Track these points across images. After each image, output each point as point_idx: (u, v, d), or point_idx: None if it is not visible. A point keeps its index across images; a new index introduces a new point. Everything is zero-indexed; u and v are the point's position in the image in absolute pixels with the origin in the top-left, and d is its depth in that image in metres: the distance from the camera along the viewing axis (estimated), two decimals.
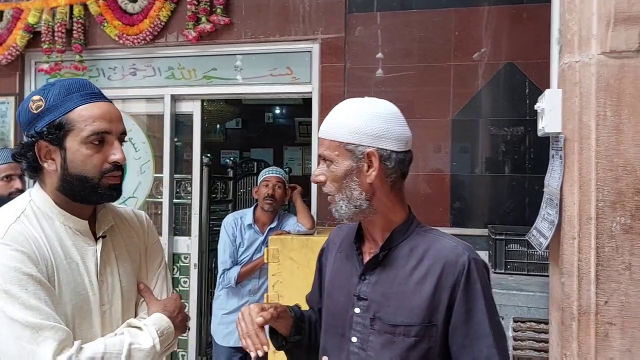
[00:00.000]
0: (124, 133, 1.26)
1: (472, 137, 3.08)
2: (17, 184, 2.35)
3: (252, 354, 1.15)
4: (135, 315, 1.33)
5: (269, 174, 3.08)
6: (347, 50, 3.22)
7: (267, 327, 1.29)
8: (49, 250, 1.17)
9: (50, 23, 3.64)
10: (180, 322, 1.33)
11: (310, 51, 3.34)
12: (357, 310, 1.20)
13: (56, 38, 3.63)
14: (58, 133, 1.17)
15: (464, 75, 3.07)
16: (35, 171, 1.23)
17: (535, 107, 2.00)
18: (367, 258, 1.24)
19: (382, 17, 3.19)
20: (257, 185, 3.15)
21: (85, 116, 1.17)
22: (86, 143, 1.18)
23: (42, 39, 3.65)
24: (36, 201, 1.22)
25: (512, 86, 3.01)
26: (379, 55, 3.19)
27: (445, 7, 3.09)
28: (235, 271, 2.95)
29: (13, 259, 1.10)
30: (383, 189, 1.20)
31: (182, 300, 1.44)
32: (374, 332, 1.17)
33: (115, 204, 1.38)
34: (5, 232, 1.13)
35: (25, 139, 1.20)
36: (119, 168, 1.23)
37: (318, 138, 1.23)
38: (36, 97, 1.19)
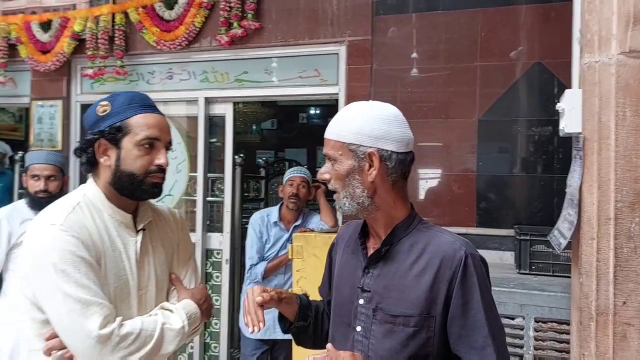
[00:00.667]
0: (170, 143, 1.46)
1: (498, 137, 3.07)
2: (41, 184, 2.51)
3: (249, 329, 1.28)
4: (167, 301, 1.49)
5: (294, 174, 3.17)
6: (374, 52, 3.27)
7: (277, 312, 1.44)
8: (97, 238, 1.34)
9: (94, 31, 3.84)
10: (206, 309, 1.50)
11: (337, 53, 3.41)
12: (361, 301, 1.27)
13: (99, 45, 3.82)
14: (117, 134, 1.37)
15: (491, 75, 3.07)
16: (92, 166, 1.42)
17: (557, 107, 2.00)
18: (371, 253, 1.30)
19: (408, 19, 3.22)
20: (283, 184, 3.25)
21: (141, 123, 1.38)
22: (138, 145, 1.37)
23: (87, 46, 3.85)
24: (89, 195, 1.41)
25: (540, 86, 2.99)
26: (410, 56, 3.22)
27: (471, 7, 3.10)
28: (262, 267, 3.05)
29: (69, 243, 1.27)
30: (384, 187, 1.25)
31: (210, 292, 1.58)
32: (376, 322, 1.24)
33: (154, 202, 1.56)
34: (64, 220, 1.30)
35: (88, 137, 1.39)
36: (162, 171, 1.42)
37: (324, 138, 1.30)
38: (104, 102, 1.40)
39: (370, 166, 1.23)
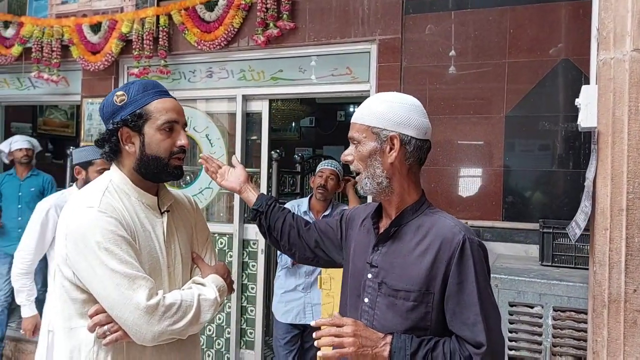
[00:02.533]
0: (186, 124, 1.54)
1: (526, 133, 3.12)
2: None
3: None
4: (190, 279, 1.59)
5: (324, 167, 3.31)
6: (404, 50, 3.36)
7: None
8: (129, 219, 1.42)
9: (139, 32, 4.04)
10: (229, 284, 1.58)
11: (368, 52, 3.52)
12: (369, 275, 1.40)
13: (145, 45, 4.02)
14: (138, 121, 1.43)
15: (519, 72, 3.12)
16: (115, 154, 1.49)
17: (575, 102, 2.07)
18: (381, 232, 1.43)
19: (438, 17, 3.30)
20: (314, 176, 3.39)
21: (159, 108, 1.45)
22: (160, 130, 1.44)
23: (133, 46, 4.05)
24: (115, 180, 1.48)
25: (567, 82, 3.02)
26: (439, 53, 3.30)
27: (500, 5, 3.16)
28: None
29: (109, 223, 1.35)
30: (401, 170, 1.38)
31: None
32: (380, 295, 1.37)
33: (172, 188, 1.67)
34: (100, 202, 1.38)
35: (109, 126, 1.46)
36: (183, 151, 1.50)
37: (350, 123, 1.43)
38: (120, 93, 1.46)
39: (391, 149, 1.35)
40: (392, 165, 1.36)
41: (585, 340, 2.20)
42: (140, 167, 1.46)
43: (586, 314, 2.20)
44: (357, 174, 1.42)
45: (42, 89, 4.77)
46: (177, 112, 1.49)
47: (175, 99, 1.52)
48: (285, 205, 3.36)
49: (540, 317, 2.34)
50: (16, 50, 4.51)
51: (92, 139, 4.35)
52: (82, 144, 4.39)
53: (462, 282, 1.29)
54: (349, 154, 1.42)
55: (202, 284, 1.50)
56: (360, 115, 1.39)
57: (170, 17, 3.98)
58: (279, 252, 3.33)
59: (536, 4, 3.09)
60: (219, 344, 4.06)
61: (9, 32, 4.59)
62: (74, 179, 4.57)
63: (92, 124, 4.39)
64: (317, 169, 3.36)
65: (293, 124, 7.91)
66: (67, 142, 6.31)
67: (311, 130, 8.13)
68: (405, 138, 1.35)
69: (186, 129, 1.54)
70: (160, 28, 4.00)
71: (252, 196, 1.78)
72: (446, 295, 1.30)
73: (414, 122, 1.35)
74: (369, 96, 3.52)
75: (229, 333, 4.03)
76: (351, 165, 1.43)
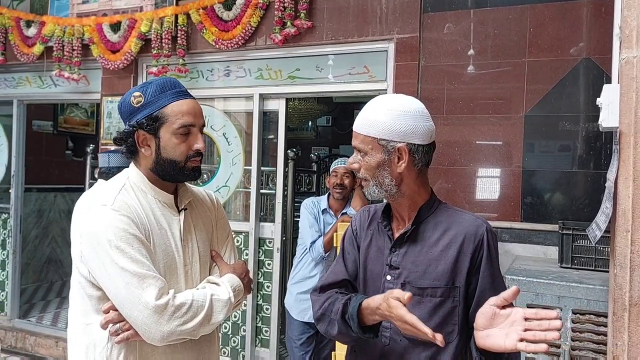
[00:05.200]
0: (204, 125, 1.51)
1: (545, 133, 3.08)
2: None
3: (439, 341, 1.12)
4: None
5: (338, 165, 3.30)
6: (422, 49, 3.34)
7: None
8: (144, 217, 1.41)
9: (158, 31, 4.07)
10: (247, 283, 1.56)
11: (386, 50, 3.50)
12: (388, 277, 1.39)
13: (163, 44, 4.05)
14: (154, 124, 1.41)
15: (539, 71, 3.08)
16: (132, 154, 1.49)
17: (597, 102, 2.03)
18: (396, 233, 1.42)
19: (457, 16, 3.27)
20: (329, 176, 3.39)
21: (176, 111, 1.42)
22: (175, 134, 1.42)
23: (152, 45, 4.09)
24: (132, 178, 1.47)
25: (588, 81, 2.97)
26: (458, 52, 3.27)
27: (520, 4, 3.12)
28: (320, 241, 3.19)
29: (121, 221, 1.34)
30: (410, 176, 1.37)
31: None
32: None
33: (193, 186, 1.66)
34: (114, 201, 1.38)
35: (126, 127, 1.45)
36: (200, 154, 1.47)
37: (353, 131, 1.40)
38: (137, 94, 1.44)
39: (400, 159, 1.33)
40: (400, 174, 1.35)
41: (605, 344, 2.16)
42: (156, 169, 1.46)
43: (606, 317, 2.17)
44: (364, 180, 1.40)
45: (63, 88, 4.84)
46: (194, 115, 1.45)
47: (194, 98, 1.50)
48: (305, 202, 3.38)
49: None
50: (38, 49, 4.59)
51: (112, 137, 4.40)
52: (101, 141, 4.45)
53: (492, 274, 1.33)
54: (355, 162, 1.40)
55: (216, 284, 1.48)
56: (364, 125, 1.35)
57: (188, 16, 4.01)
58: (305, 245, 3.28)
59: (557, 2, 3.05)
60: (234, 342, 4.09)
61: (31, 32, 4.68)
62: (93, 177, 4.65)
63: (112, 122, 4.45)
64: (331, 169, 3.36)
65: (309, 123, 7.91)
66: (87, 140, 6.39)
67: (327, 129, 8.13)
68: (413, 147, 1.33)
69: (204, 129, 1.52)
70: (179, 27, 4.04)
71: None
72: (480, 289, 1.32)
73: (420, 130, 1.33)
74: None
75: (244, 331, 4.05)
76: (358, 173, 1.41)
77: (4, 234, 5.21)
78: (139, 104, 1.43)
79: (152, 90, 1.43)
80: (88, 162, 4.75)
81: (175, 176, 1.47)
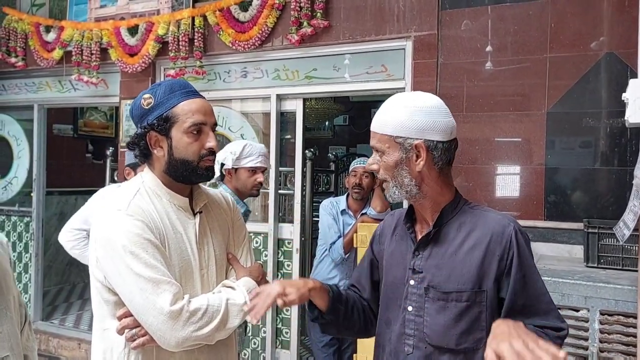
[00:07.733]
0: (216, 124, 1.49)
1: (568, 130, 3.02)
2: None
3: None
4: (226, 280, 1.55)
5: (357, 165, 3.28)
6: (440, 46, 3.30)
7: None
8: (159, 221, 1.40)
9: (175, 34, 4.09)
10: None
11: (404, 49, 3.46)
12: (412, 282, 1.35)
13: (180, 47, 4.07)
14: (165, 125, 1.41)
15: (561, 67, 3.02)
16: (146, 157, 1.48)
17: (622, 97, 1.98)
18: (419, 236, 1.38)
19: (475, 12, 3.22)
20: (348, 175, 3.37)
21: (186, 110, 1.41)
22: (187, 133, 1.41)
23: (170, 48, 4.11)
24: (147, 182, 1.47)
25: (612, 77, 2.91)
26: (477, 49, 3.22)
27: None
28: (340, 242, 3.16)
29: (136, 226, 1.33)
30: (431, 176, 1.33)
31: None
32: (428, 300, 1.31)
33: (206, 186, 1.64)
34: (128, 205, 1.37)
35: (138, 130, 1.45)
36: (213, 153, 1.45)
37: (370, 131, 1.37)
38: (147, 96, 1.44)
39: (418, 157, 1.29)
40: (420, 173, 1.31)
41: (635, 346, 2.11)
42: (169, 170, 1.44)
43: (635, 318, 2.12)
44: (384, 181, 1.37)
45: (82, 91, 4.90)
46: (205, 113, 1.44)
47: (204, 98, 1.49)
48: (324, 203, 3.37)
49: (587, 321, 2.26)
50: (57, 53, 4.64)
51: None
52: (120, 144, 4.48)
53: (525, 275, 1.27)
54: (373, 163, 1.37)
55: (232, 288, 1.46)
56: (380, 124, 1.32)
57: (205, 18, 4.02)
58: (325, 246, 3.27)
59: None
60: (254, 344, 4.09)
61: (51, 37, 4.74)
62: (113, 179, 4.70)
63: (131, 125, 4.46)
64: (350, 169, 3.34)
65: (327, 123, 7.90)
66: (107, 143, 6.46)
67: (345, 128, 8.11)
68: (431, 144, 1.29)
69: (216, 128, 1.49)
70: (196, 29, 4.05)
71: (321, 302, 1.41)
72: (511, 292, 1.26)
73: (438, 126, 1.29)
74: None
75: (264, 332, 4.05)
76: (377, 174, 1.38)
77: (27, 237, 5.29)
78: (149, 106, 1.43)
79: (162, 92, 1.43)
80: (108, 164, 4.80)
81: (188, 177, 1.45)
